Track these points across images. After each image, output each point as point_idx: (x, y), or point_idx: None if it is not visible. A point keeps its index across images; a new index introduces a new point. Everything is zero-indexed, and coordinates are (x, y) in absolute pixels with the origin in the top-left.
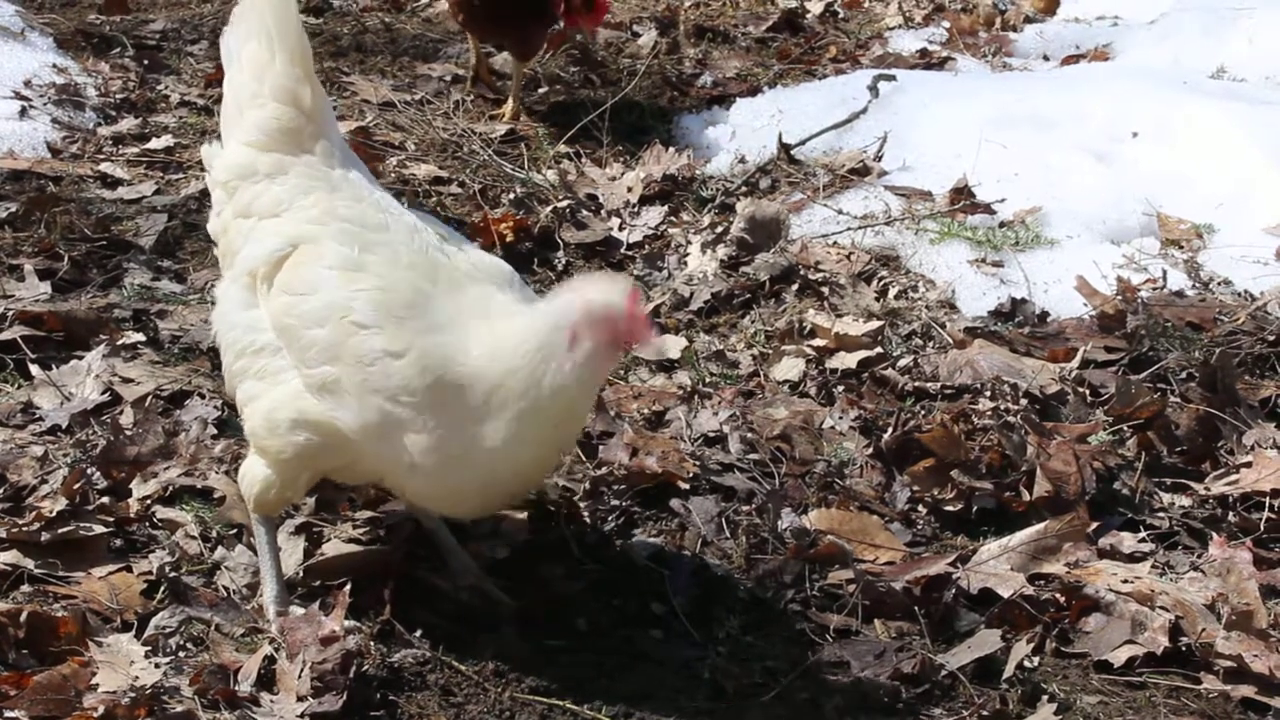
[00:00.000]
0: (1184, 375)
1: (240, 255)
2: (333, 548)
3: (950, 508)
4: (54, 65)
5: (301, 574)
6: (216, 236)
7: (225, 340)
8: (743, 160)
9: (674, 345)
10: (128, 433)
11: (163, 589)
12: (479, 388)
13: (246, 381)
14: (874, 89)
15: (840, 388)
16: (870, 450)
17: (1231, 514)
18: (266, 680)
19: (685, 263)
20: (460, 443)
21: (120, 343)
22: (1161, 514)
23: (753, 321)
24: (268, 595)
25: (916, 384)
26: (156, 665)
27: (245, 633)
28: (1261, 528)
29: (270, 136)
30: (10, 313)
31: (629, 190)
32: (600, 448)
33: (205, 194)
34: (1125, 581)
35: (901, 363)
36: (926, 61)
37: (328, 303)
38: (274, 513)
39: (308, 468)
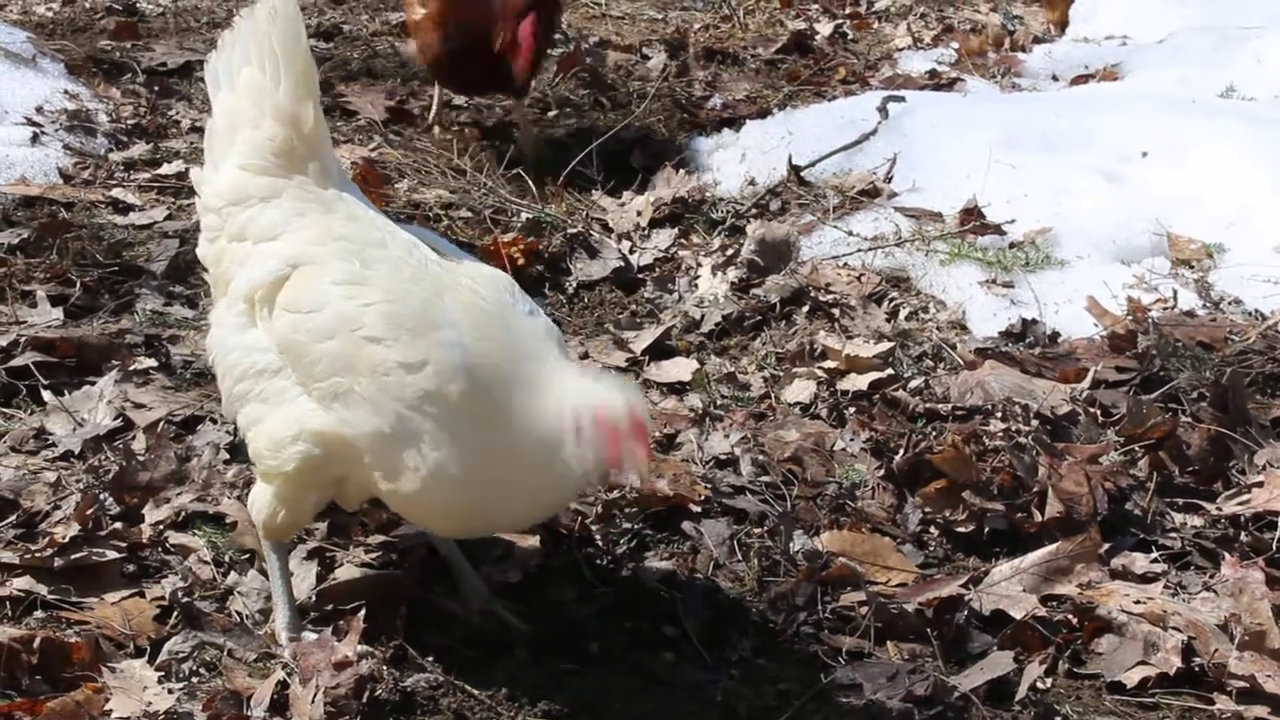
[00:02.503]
0: (1195, 395)
1: (236, 280)
2: (345, 572)
3: (962, 529)
4: (65, 91)
5: (314, 599)
6: (209, 263)
7: (223, 365)
8: (753, 182)
9: (685, 368)
10: (140, 458)
11: (175, 614)
12: (494, 415)
13: (249, 405)
14: (883, 110)
15: (851, 409)
16: (882, 472)
17: (1244, 534)
18: (280, 706)
19: (696, 285)
20: (460, 463)
21: (132, 368)
22: (1173, 534)
23: (763, 344)
24: (280, 621)
25: (928, 405)
26: (170, 691)
27: (258, 658)
28: (1274, 547)
29: (265, 159)
30: (22, 339)
31: (639, 214)
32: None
33: None
34: (1138, 602)
35: (912, 384)
36: (936, 82)
37: (336, 315)
38: (284, 538)
39: (313, 486)
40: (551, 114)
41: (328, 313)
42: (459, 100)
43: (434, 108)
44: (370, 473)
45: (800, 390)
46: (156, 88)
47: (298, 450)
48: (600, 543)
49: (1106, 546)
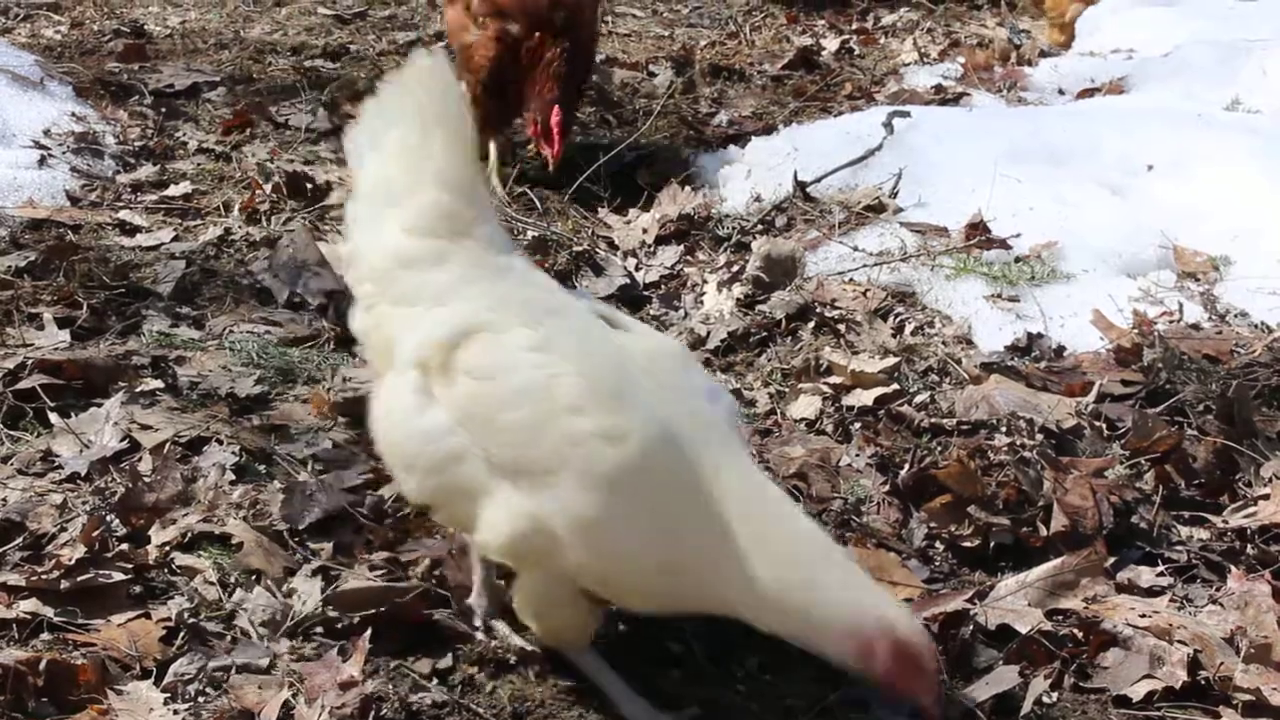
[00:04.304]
0: (1201, 408)
1: (403, 346)
2: (352, 584)
3: (967, 544)
4: (73, 114)
5: (321, 609)
6: (364, 335)
7: (404, 452)
8: (758, 199)
9: None
10: (146, 480)
11: (182, 635)
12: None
13: (455, 505)
14: (889, 125)
15: (857, 425)
16: (887, 487)
17: (1250, 546)
18: None
19: (702, 302)
20: (676, 556)
21: (139, 390)
22: (1179, 547)
23: (769, 360)
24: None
25: (933, 420)
26: (175, 712)
27: (263, 678)
28: None
29: (431, 223)
30: (29, 361)
31: (645, 231)
32: None
33: (223, 240)
34: (1143, 616)
35: (918, 399)
36: (941, 97)
37: (524, 384)
38: (571, 642)
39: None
40: None
41: (514, 380)
42: None
43: None
44: (568, 556)
45: (806, 406)
46: (164, 109)
47: (504, 530)
48: None
49: (1112, 560)
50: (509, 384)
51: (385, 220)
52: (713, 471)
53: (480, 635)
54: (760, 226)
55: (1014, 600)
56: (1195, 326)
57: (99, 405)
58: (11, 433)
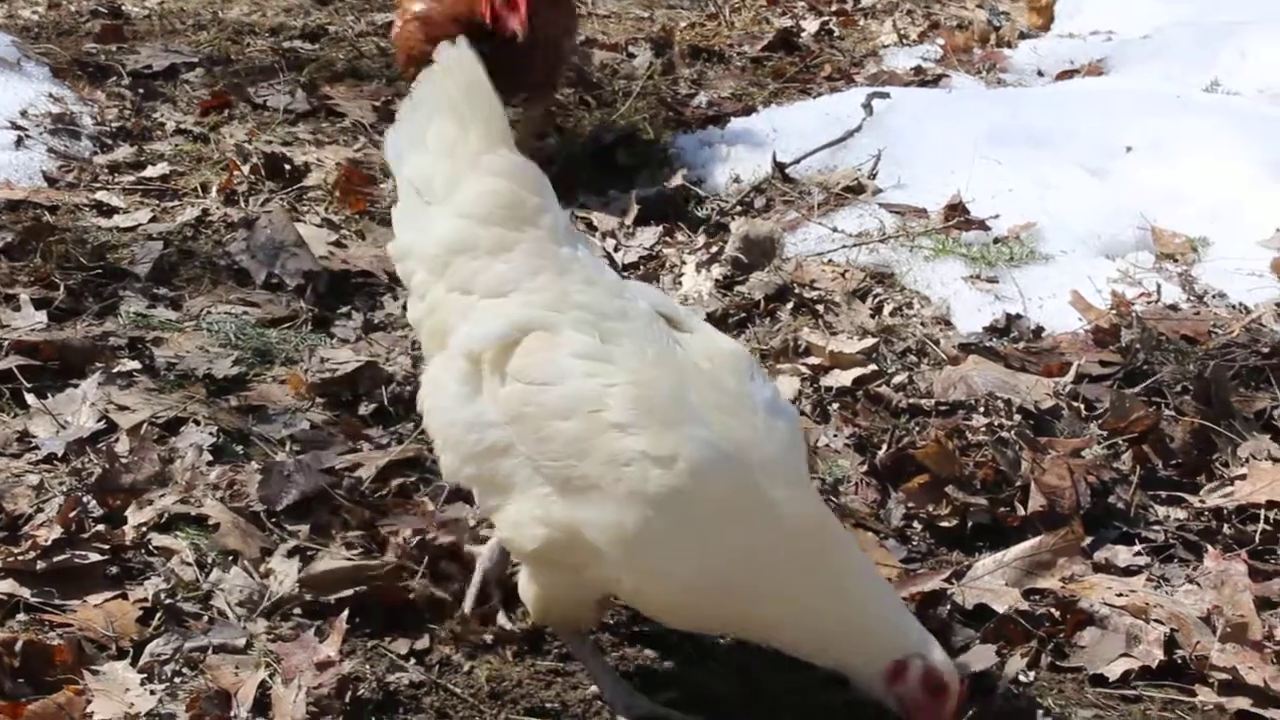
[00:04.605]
0: (1179, 388)
1: (457, 334)
2: (324, 566)
3: (945, 524)
4: (50, 94)
5: (298, 589)
6: (417, 322)
7: (446, 435)
8: (737, 180)
9: None
10: (123, 460)
11: (158, 616)
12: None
13: (487, 495)
14: (868, 107)
15: (835, 405)
16: (865, 467)
17: (1226, 526)
18: (263, 706)
19: (680, 283)
20: (721, 582)
21: (116, 370)
22: (1156, 527)
23: (748, 341)
24: (610, 694)
25: (911, 401)
26: (152, 692)
27: (240, 659)
28: (1256, 539)
29: (487, 210)
30: (6, 342)
31: (623, 212)
32: None
33: (201, 221)
34: (1120, 595)
35: (896, 380)
36: (921, 79)
37: (574, 393)
38: (566, 631)
39: (569, 580)
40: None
41: (564, 389)
42: None
43: None
44: (605, 570)
45: (784, 386)
46: (141, 90)
47: (539, 536)
48: None
49: (1089, 540)
50: (559, 392)
51: (435, 212)
52: (765, 499)
53: (466, 605)
54: (739, 207)
55: (991, 580)
56: (1173, 307)
57: (76, 386)
58: None
